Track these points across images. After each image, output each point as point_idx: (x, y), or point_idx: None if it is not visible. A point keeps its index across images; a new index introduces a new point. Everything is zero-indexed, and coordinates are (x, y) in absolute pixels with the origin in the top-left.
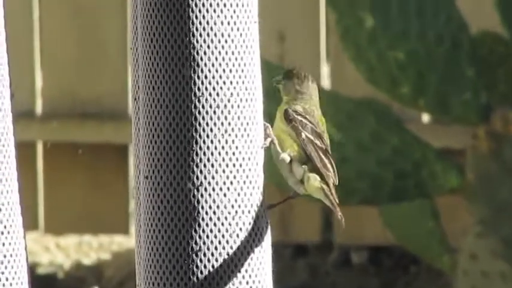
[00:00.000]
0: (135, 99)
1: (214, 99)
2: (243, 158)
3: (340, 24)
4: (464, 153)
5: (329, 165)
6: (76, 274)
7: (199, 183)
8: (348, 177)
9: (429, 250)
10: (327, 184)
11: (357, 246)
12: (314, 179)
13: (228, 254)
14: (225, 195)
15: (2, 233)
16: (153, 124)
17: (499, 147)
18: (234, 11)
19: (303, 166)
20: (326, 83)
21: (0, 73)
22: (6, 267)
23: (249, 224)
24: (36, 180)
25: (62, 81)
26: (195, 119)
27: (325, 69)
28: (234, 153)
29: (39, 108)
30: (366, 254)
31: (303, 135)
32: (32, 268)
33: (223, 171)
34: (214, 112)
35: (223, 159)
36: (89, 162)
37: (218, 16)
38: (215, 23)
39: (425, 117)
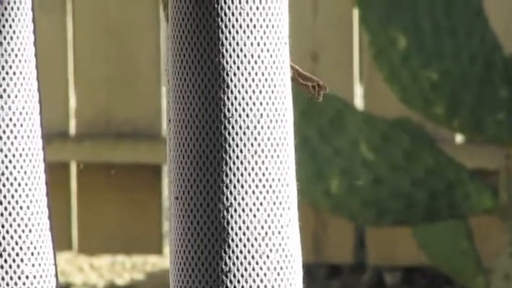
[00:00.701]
0: (169, 120)
1: (244, 121)
2: (273, 179)
3: (374, 44)
4: (498, 173)
5: None
6: None
7: (229, 204)
8: (381, 198)
9: (463, 270)
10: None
11: (390, 267)
12: None
13: (257, 275)
14: (254, 216)
15: (32, 253)
16: (183, 145)
17: None
18: (264, 32)
19: None
20: (360, 103)
21: (28, 88)
22: None
23: (279, 245)
24: (69, 201)
25: (96, 102)
26: (225, 140)
27: (358, 89)
28: (264, 174)
29: (72, 128)
30: (400, 274)
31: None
32: None
33: (253, 192)
34: (244, 133)
35: (253, 181)
36: (123, 183)
37: (248, 37)
38: (245, 44)
39: (459, 138)
